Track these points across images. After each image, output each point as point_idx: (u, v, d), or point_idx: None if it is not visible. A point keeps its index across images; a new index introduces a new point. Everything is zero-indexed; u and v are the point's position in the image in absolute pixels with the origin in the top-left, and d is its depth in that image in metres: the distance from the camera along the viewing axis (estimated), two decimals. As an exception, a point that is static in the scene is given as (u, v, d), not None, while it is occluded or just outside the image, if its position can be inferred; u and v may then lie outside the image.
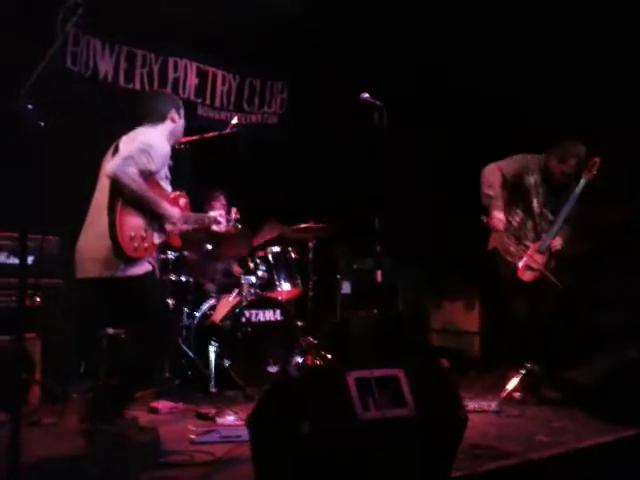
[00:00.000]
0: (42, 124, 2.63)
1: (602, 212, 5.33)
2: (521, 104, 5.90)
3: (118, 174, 3.27)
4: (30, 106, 2.61)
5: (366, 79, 5.00)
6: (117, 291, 3.44)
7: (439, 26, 6.14)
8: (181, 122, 3.76)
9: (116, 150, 3.50)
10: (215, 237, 5.05)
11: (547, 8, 5.64)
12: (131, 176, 3.27)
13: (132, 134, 3.56)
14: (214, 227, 4.03)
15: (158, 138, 3.53)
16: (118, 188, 3.31)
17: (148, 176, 3.39)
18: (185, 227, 3.74)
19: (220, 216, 4.02)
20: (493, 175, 4.83)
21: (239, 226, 5.28)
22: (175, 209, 3.61)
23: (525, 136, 5.30)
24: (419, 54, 6.32)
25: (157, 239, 3.51)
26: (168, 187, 3.64)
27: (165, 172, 3.60)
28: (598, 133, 5.11)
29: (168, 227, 3.56)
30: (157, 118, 3.64)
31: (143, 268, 3.44)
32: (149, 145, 3.40)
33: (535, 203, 4.88)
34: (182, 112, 3.78)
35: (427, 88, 6.56)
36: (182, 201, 3.72)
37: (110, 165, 3.33)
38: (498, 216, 4.75)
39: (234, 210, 5.11)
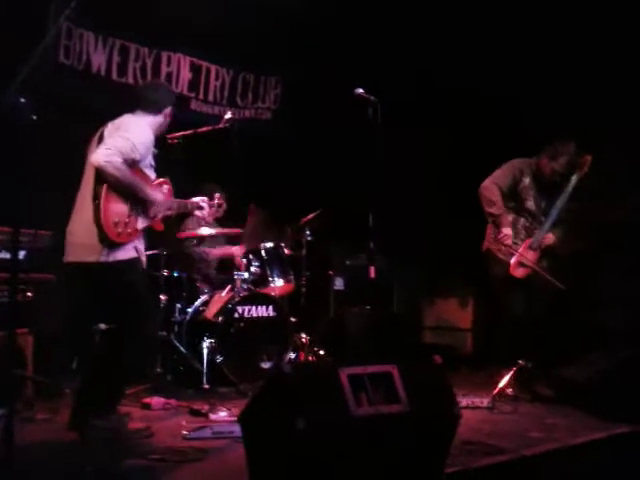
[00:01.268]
0: (34, 117, 2.62)
1: (598, 210, 5.34)
2: (520, 104, 5.90)
3: (102, 164, 3.31)
4: (22, 99, 2.59)
5: (362, 74, 5.00)
6: (102, 276, 3.48)
7: (437, 23, 6.13)
8: (169, 119, 3.81)
9: (101, 138, 3.52)
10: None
11: (544, 9, 5.63)
12: (116, 165, 3.31)
13: (117, 121, 3.59)
14: (197, 212, 4.06)
15: (143, 127, 3.56)
16: (102, 176, 3.35)
17: (132, 164, 3.43)
18: (169, 213, 3.78)
19: (203, 202, 4.03)
20: (492, 193, 4.87)
21: (221, 211, 5.28)
22: (158, 194, 3.66)
23: (523, 136, 5.31)
24: (417, 51, 6.30)
25: (140, 224, 3.55)
26: (152, 174, 3.68)
27: (149, 160, 3.63)
28: (596, 131, 5.13)
29: (152, 212, 3.59)
30: (153, 109, 3.68)
31: (128, 254, 3.49)
32: (133, 134, 3.44)
33: (528, 203, 4.91)
34: (172, 109, 3.82)
35: (426, 86, 6.56)
36: (165, 187, 3.77)
37: (95, 155, 3.36)
38: (507, 232, 4.79)
39: (217, 196, 5.09)
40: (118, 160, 3.31)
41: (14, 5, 4.81)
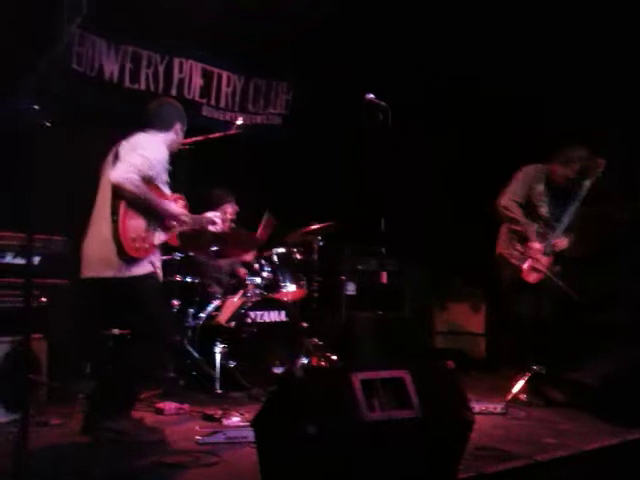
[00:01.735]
0: (47, 124, 2.64)
1: (605, 211, 5.31)
2: (529, 107, 5.88)
3: (121, 181, 3.39)
4: (36, 106, 2.62)
5: (372, 80, 5.00)
6: (119, 290, 3.55)
7: (445, 27, 6.12)
8: (181, 135, 3.89)
9: (116, 156, 3.59)
10: (221, 239, 5.05)
11: (553, 10, 5.62)
12: (134, 182, 3.40)
13: (132, 139, 3.65)
14: (210, 227, 4.10)
15: (157, 145, 3.65)
16: (120, 192, 3.43)
17: (148, 181, 3.51)
18: (183, 228, 3.87)
19: (216, 217, 4.09)
20: (513, 211, 4.84)
21: (234, 225, 5.30)
22: (176, 206, 3.76)
23: (532, 139, 5.29)
24: (425, 55, 6.30)
25: (157, 240, 3.63)
26: (167, 191, 3.75)
27: (164, 177, 3.70)
28: (603, 132, 5.11)
29: (172, 224, 3.68)
30: (163, 126, 3.76)
31: (145, 269, 3.56)
32: (149, 152, 3.53)
33: (542, 209, 4.88)
34: (184, 126, 3.90)
35: (434, 90, 6.55)
36: (180, 203, 3.86)
37: (113, 173, 3.44)
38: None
39: (229, 211, 5.11)
40: (136, 177, 3.40)
41: (26, 12, 4.85)
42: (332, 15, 6.05)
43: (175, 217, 3.71)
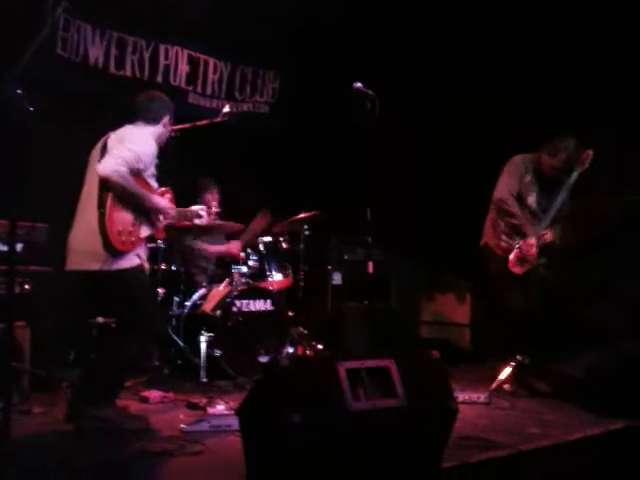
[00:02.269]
0: (31, 109, 2.61)
1: (596, 205, 5.34)
2: (525, 105, 5.88)
3: (109, 173, 3.37)
4: (19, 91, 2.58)
5: (361, 68, 4.98)
6: (105, 284, 3.54)
7: (434, 19, 6.11)
8: (169, 128, 3.89)
9: (104, 148, 3.58)
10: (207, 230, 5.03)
11: (552, 9, 5.63)
12: (122, 174, 3.39)
13: (121, 132, 3.65)
14: (196, 221, 4.15)
15: (146, 138, 3.64)
16: (107, 185, 3.41)
17: (136, 174, 3.50)
18: (169, 221, 3.91)
19: (202, 210, 4.11)
20: (510, 205, 4.85)
21: (218, 219, 5.30)
22: (165, 200, 3.76)
23: (527, 135, 5.29)
24: (416, 47, 6.28)
25: (144, 233, 3.62)
26: (155, 184, 3.75)
27: (152, 170, 3.70)
28: (593, 126, 5.13)
29: (161, 218, 3.70)
30: (151, 119, 3.76)
31: (131, 262, 3.55)
32: (138, 145, 3.52)
33: (530, 199, 4.89)
34: (172, 118, 3.91)
35: (424, 80, 6.54)
36: (167, 196, 3.86)
37: (101, 165, 3.42)
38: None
39: (214, 204, 5.10)
40: (124, 170, 3.38)
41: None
42: (321, 3, 6.02)
43: (162, 211, 3.70)
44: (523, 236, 4.79)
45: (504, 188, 4.90)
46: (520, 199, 4.89)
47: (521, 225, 4.82)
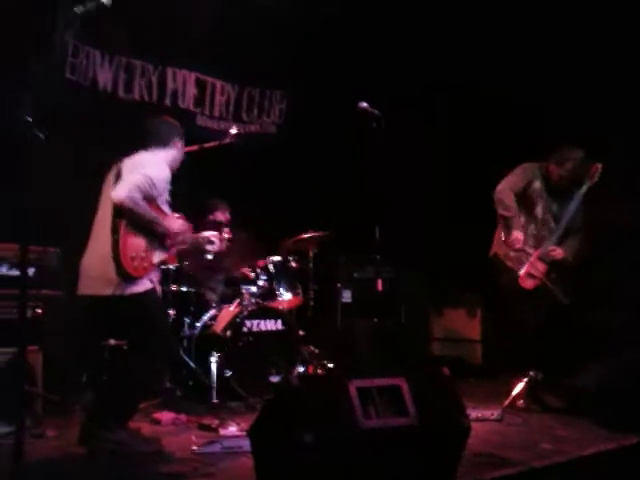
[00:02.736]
0: (41, 136, 2.64)
1: (606, 214, 5.32)
2: (528, 112, 5.90)
3: (122, 199, 3.40)
4: (29, 118, 2.61)
5: (366, 87, 5.01)
6: (118, 308, 3.56)
7: (443, 33, 6.14)
8: (182, 151, 3.91)
9: (118, 174, 3.60)
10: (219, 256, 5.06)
11: (546, 7, 5.65)
12: (136, 201, 3.41)
13: (135, 159, 3.68)
14: (208, 247, 4.16)
15: (160, 164, 3.67)
16: (121, 211, 3.44)
17: (150, 200, 3.53)
18: (182, 247, 3.94)
19: (213, 236, 4.13)
20: (507, 197, 4.85)
21: (230, 245, 5.30)
22: (178, 221, 3.78)
23: (531, 145, 5.30)
24: (419, 60, 6.32)
25: (156, 258, 3.64)
26: (168, 210, 3.77)
27: (166, 196, 3.73)
28: (602, 133, 5.13)
29: (170, 242, 3.70)
30: (162, 144, 3.78)
31: (143, 286, 3.57)
32: (152, 171, 3.54)
33: (538, 209, 4.89)
34: (183, 142, 3.93)
35: (428, 95, 6.57)
36: (181, 222, 3.86)
37: (115, 191, 3.45)
38: (517, 235, 4.76)
39: (226, 230, 5.13)
40: (138, 197, 3.41)
41: (19, 22, 4.85)
42: (327, 23, 6.07)
43: (176, 235, 3.72)
44: (510, 230, 4.79)
45: (506, 184, 4.90)
46: (527, 208, 4.88)
47: (511, 218, 4.80)
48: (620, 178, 5.32)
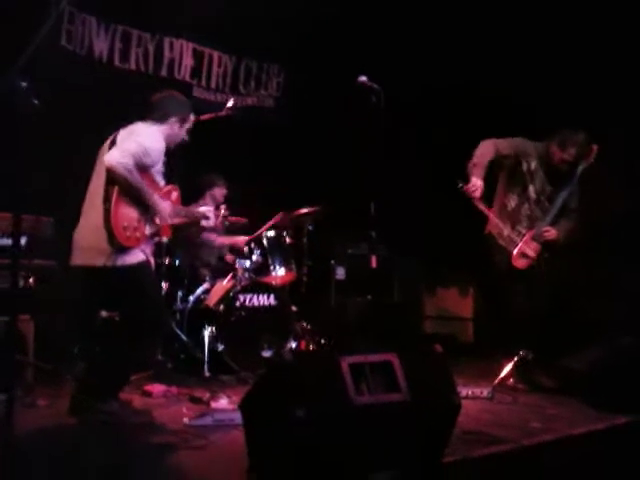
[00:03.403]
0: (36, 102, 2.60)
1: (598, 200, 5.32)
2: (521, 96, 5.87)
3: (114, 164, 3.37)
4: (23, 83, 2.58)
5: (366, 62, 4.96)
6: (110, 279, 3.54)
7: (437, 19, 6.11)
8: (182, 131, 3.85)
9: (113, 143, 3.58)
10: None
11: (551, 13, 5.62)
12: (127, 167, 3.38)
13: (130, 128, 3.65)
14: (203, 222, 4.15)
15: (155, 134, 3.64)
16: (114, 178, 3.41)
17: (143, 169, 3.50)
18: (176, 220, 3.89)
19: (209, 212, 4.12)
20: (486, 147, 4.73)
21: (226, 223, 5.30)
22: (166, 203, 3.73)
23: (525, 127, 5.28)
24: (419, 44, 6.27)
25: (149, 230, 3.62)
26: (162, 181, 3.75)
27: (160, 167, 3.70)
28: (599, 121, 5.10)
29: (157, 220, 3.66)
30: (160, 118, 3.74)
31: (136, 257, 3.55)
32: (146, 140, 3.52)
33: (531, 189, 4.85)
34: (187, 123, 3.87)
35: (426, 76, 6.52)
36: (174, 195, 3.87)
37: (108, 156, 3.42)
38: (475, 182, 4.57)
39: (223, 207, 5.12)
40: (130, 163, 3.38)
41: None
42: (327, 6, 6.01)
43: (160, 216, 3.65)
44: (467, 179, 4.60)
45: (493, 140, 4.76)
46: (522, 187, 4.85)
47: (474, 166, 4.61)
48: (619, 167, 5.31)
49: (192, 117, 3.92)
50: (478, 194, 4.59)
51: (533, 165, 4.82)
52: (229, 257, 5.61)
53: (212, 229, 5.40)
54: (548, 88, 5.76)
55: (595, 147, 4.71)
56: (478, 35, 5.99)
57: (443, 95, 6.49)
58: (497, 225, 4.82)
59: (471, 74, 6.22)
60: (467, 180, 4.62)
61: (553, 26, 5.66)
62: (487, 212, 4.78)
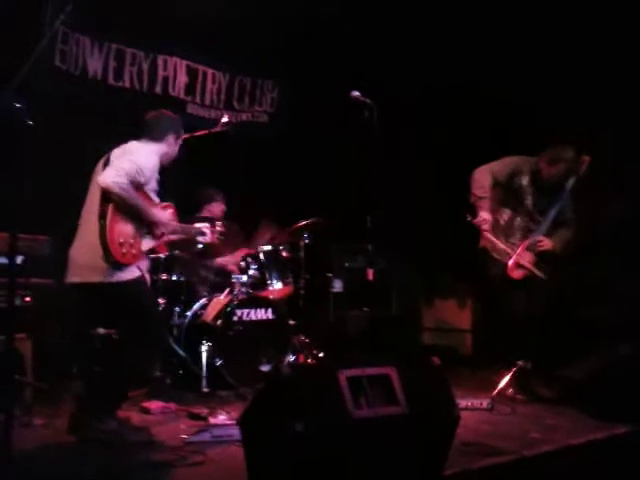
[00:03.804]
0: (30, 122, 2.62)
1: (594, 207, 5.33)
2: (520, 97, 5.90)
3: (109, 184, 3.39)
4: (18, 104, 2.59)
5: (359, 76, 5.00)
6: (107, 296, 3.56)
7: (432, 23, 6.13)
8: (175, 147, 3.89)
9: (107, 162, 3.60)
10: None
11: (543, 7, 5.65)
12: (122, 186, 3.40)
13: (124, 147, 3.68)
14: (199, 238, 4.15)
15: (148, 153, 3.66)
16: (109, 196, 3.43)
17: (138, 187, 3.52)
18: (172, 237, 3.93)
19: (205, 228, 4.12)
20: (484, 177, 4.84)
21: (222, 238, 5.29)
22: (166, 213, 3.77)
23: (519, 135, 5.32)
24: (415, 51, 6.30)
25: (145, 246, 3.63)
26: (156, 198, 3.76)
27: (153, 185, 3.71)
28: (594, 126, 5.13)
29: (158, 231, 3.68)
30: (155, 137, 3.77)
31: (132, 274, 3.55)
32: (139, 158, 3.54)
33: (526, 202, 4.88)
34: (180, 139, 3.92)
35: (420, 85, 6.56)
36: (169, 211, 3.87)
37: (102, 176, 3.44)
38: (484, 216, 4.75)
39: (219, 223, 5.13)
40: (124, 182, 3.40)
41: (9, 8, 4.80)
42: (319, 12, 6.03)
43: (162, 224, 3.70)
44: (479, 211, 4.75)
45: (487, 166, 4.87)
46: (516, 201, 4.88)
47: (483, 198, 4.76)
48: (610, 173, 5.33)
49: (183, 134, 3.95)
50: (487, 227, 4.75)
51: (525, 181, 4.87)
52: (231, 267, 5.56)
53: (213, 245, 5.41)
54: (547, 88, 5.79)
55: (587, 158, 4.74)
56: (478, 35, 6.00)
57: (443, 95, 6.52)
58: (490, 239, 4.85)
59: (471, 74, 6.24)
60: (473, 210, 4.80)
61: (553, 26, 5.68)
62: (495, 241, 4.80)
